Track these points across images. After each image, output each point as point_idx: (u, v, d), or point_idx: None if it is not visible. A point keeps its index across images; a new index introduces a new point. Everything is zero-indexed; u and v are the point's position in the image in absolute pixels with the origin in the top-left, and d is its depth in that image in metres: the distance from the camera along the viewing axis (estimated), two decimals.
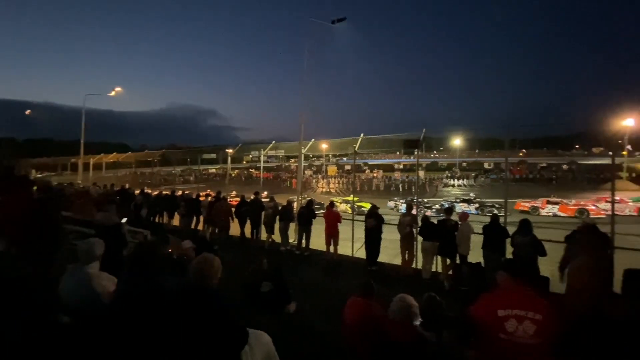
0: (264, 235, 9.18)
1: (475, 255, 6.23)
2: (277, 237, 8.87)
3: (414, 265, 7.19)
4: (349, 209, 16.96)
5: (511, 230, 5.99)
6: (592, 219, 15.73)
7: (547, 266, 5.76)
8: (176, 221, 10.83)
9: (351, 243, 8.39)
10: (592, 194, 23.54)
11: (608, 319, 2.34)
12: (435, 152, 63.07)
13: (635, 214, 18.05)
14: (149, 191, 14.34)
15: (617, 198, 18.53)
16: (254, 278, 4.49)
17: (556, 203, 19.44)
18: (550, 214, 18.74)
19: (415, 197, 13.09)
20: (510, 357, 1.91)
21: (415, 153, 10.50)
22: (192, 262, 2.05)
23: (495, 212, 14.25)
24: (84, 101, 26.21)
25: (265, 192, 17.68)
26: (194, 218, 10.32)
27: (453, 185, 37.62)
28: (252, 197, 9.69)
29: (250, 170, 51.29)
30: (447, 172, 47.65)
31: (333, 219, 7.87)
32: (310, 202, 8.78)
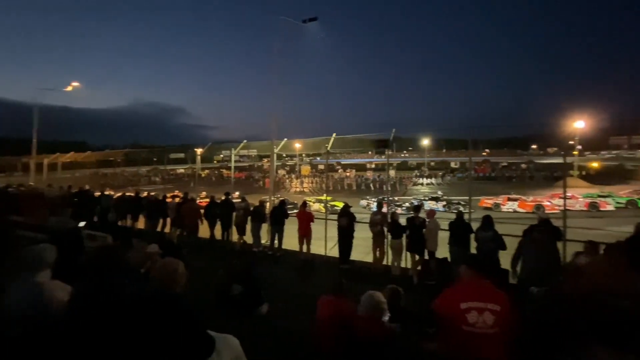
0: (235, 236, 8.99)
1: (443, 250, 6.48)
2: (249, 238, 8.71)
3: (385, 262, 7.35)
4: (323, 208, 17.04)
5: (475, 226, 6.29)
6: (547, 214, 16.91)
7: (508, 259, 6.13)
8: (142, 224, 10.34)
9: (324, 242, 8.44)
10: (547, 191, 25.31)
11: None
12: (405, 151, 65.03)
13: (585, 208, 19.64)
14: (111, 193, 13.57)
15: (569, 194, 20.14)
16: (224, 281, 4.38)
17: (516, 199, 20.77)
18: (511, 209, 19.94)
19: (387, 196, 13.40)
20: (471, 347, 2.00)
21: (386, 153, 10.74)
22: (155, 267, 1.95)
23: (461, 209, 14.94)
24: (37, 96, 24.21)
25: (237, 193, 17.30)
26: (161, 220, 9.90)
27: (422, 184, 38.99)
28: (222, 198, 9.45)
29: (221, 170, 50.00)
30: (416, 171, 49.29)
31: (306, 219, 7.87)
32: (283, 202, 8.70)
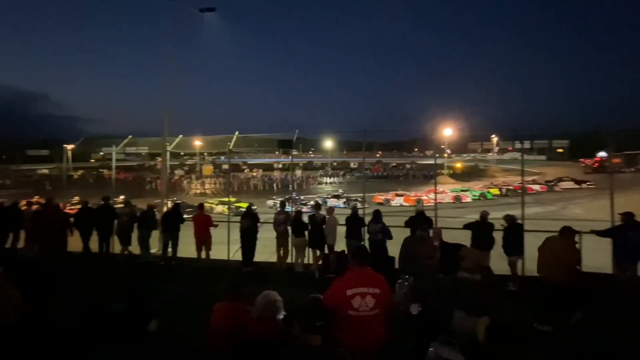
0: (117, 247, 7.79)
1: (342, 244, 6.94)
2: (135, 248, 7.66)
3: (289, 260, 7.46)
4: (227, 210, 16.26)
5: (368, 219, 6.95)
6: (424, 206, 19.97)
7: (395, 247, 6.98)
8: None
9: (227, 246, 8.06)
10: (425, 187, 29.97)
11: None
12: (310, 152, 67.72)
13: (452, 201, 23.93)
14: None
15: (440, 190, 24.30)
16: (100, 300, 3.75)
17: (402, 195, 24.00)
18: (398, 204, 22.93)
19: (292, 195, 13.66)
20: (357, 330, 2.21)
21: (291, 153, 10.94)
22: None
23: (358, 205, 16.36)
24: None
25: (122, 197, 15.01)
26: (11, 234, 7.82)
27: (326, 183, 41.24)
28: (101, 203, 8.04)
29: (100, 170, 42.48)
30: (321, 171, 51.80)
31: (204, 223, 7.37)
32: (177, 206, 7.94)
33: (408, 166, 53.73)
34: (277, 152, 47.92)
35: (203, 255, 7.40)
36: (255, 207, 7.97)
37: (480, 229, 6.28)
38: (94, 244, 7.77)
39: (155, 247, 7.80)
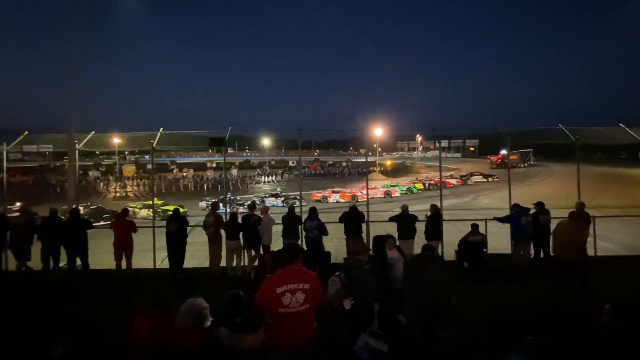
0: (12, 263, 6.58)
1: (280, 243, 6.88)
2: (37, 262, 6.55)
3: (223, 264, 7.13)
4: (152, 214, 14.90)
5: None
6: (359, 202, 21.01)
7: (331, 243, 7.19)
8: None
9: (153, 253, 7.38)
10: (360, 183, 31.47)
11: None
12: (247, 150, 65.93)
13: (383, 196, 25.53)
14: None
15: (372, 185, 25.77)
16: None
17: (338, 192, 24.82)
18: (335, 200, 23.63)
19: (226, 196, 13.13)
20: (289, 326, 2.22)
21: (223, 151, 10.48)
22: None
23: (297, 203, 16.44)
24: None
25: (18, 203, 12.72)
26: None
27: (264, 182, 40.53)
28: None
29: None
30: (258, 169, 50.76)
31: (124, 229, 6.64)
32: (76, 212, 6.93)
33: (344, 164, 55.83)
34: (210, 151, 45.59)
35: (124, 265, 6.66)
36: (185, 209, 7.43)
37: (404, 221, 6.81)
38: None
39: (64, 260, 6.76)
